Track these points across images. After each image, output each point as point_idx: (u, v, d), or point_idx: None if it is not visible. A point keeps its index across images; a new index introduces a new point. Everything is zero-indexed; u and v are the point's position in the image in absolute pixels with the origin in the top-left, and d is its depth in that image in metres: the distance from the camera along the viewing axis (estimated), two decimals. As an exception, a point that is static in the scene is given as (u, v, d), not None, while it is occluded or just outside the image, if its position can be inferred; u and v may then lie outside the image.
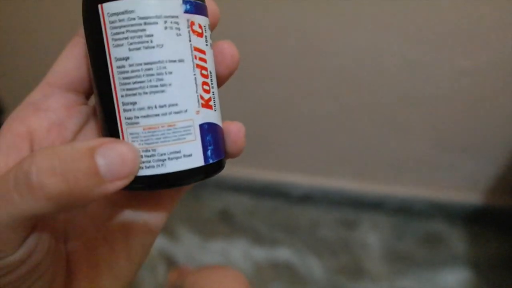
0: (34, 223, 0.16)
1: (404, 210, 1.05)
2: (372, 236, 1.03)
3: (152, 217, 0.23)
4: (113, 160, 0.16)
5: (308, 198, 1.11)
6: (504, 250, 0.96)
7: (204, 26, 0.20)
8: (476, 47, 0.75)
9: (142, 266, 0.23)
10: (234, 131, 0.22)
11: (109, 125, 0.19)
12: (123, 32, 0.18)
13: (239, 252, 1.02)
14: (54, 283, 0.19)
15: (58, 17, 0.90)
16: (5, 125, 0.19)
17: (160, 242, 1.04)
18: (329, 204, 1.10)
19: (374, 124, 0.92)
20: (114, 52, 0.18)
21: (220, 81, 0.23)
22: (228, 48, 0.22)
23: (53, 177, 0.15)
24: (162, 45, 0.18)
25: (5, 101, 1.18)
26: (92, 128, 0.23)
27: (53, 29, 0.93)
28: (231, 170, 1.11)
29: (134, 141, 0.19)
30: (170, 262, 1.00)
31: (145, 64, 0.18)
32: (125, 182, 0.16)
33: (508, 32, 0.72)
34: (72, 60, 0.21)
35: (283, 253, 1.01)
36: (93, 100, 0.22)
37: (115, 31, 0.18)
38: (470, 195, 1.00)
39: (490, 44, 0.74)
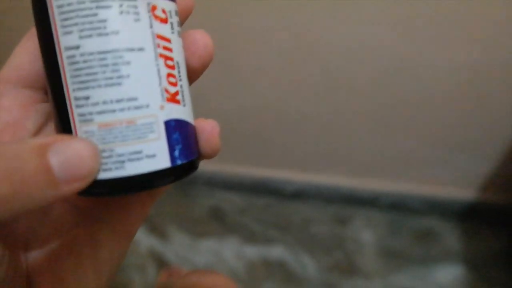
0: None
1: (397, 207, 1.04)
2: (365, 233, 1.02)
3: (123, 225, 0.21)
4: (69, 158, 0.14)
5: (300, 195, 1.10)
6: (497, 246, 0.96)
7: (170, 12, 0.18)
8: (470, 44, 0.74)
9: (112, 278, 0.21)
10: (208, 129, 0.20)
11: (61, 122, 0.17)
12: (72, 18, 0.16)
13: (231, 251, 1.01)
14: None
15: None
16: None
17: (150, 242, 1.02)
18: (322, 201, 1.09)
19: (368, 120, 0.91)
20: (63, 40, 0.16)
21: (193, 75, 0.21)
22: (201, 39, 0.20)
23: None
24: (117, 32, 0.16)
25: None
26: (52, 128, 0.20)
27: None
28: (222, 167, 1.10)
29: None
30: (161, 262, 0.99)
31: (99, 53, 0.16)
32: (83, 183, 0.15)
33: (504, 29, 0.71)
34: (27, 53, 0.19)
35: (276, 251, 1.00)
36: None
37: (63, 16, 0.16)
38: (464, 192, 0.99)
39: (484, 41, 0.74)
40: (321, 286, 0.93)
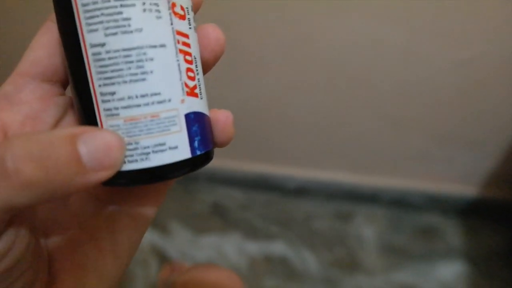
0: (11, 217, 0.15)
1: (399, 203, 1.04)
2: (367, 229, 1.02)
3: (139, 212, 0.22)
4: (97, 148, 0.15)
5: (302, 191, 1.10)
6: (499, 243, 0.96)
7: (187, 8, 0.19)
8: (472, 38, 0.74)
9: (129, 264, 0.22)
10: (222, 119, 0.21)
11: (86, 117, 0.18)
12: (97, 16, 0.17)
13: (233, 246, 1.01)
14: (36, 284, 0.18)
15: (38, 13, 0.87)
16: None
17: (152, 237, 1.02)
18: (323, 197, 1.09)
19: (370, 116, 0.91)
20: (89, 38, 0.17)
21: (206, 67, 0.22)
22: (213, 32, 0.21)
23: (30, 163, 0.13)
24: (141, 29, 0.17)
25: None
26: (70, 120, 0.21)
27: (33, 25, 0.89)
28: (223, 162, 1.09)
29: None
30: (162, 258, 0.99)
31: (123, 50, 0.17)
32: (110, 172, 0.15)
33: (505, 23, 0.71)
34: (44, 47, 0.19)
35: (277, 247, 1.00)
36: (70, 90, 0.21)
37: (88, 14, 0.17)
38: (465, 188, 0.99)
39: (486, 36, 0.73)
40: (322, 282, 0.93)
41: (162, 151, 0.18)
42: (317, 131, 0.98)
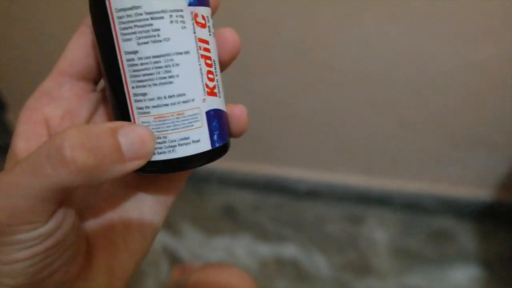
0: (62, 197, 0.17)
1: (412, 206, 1.03)
2: (379, 232, 1.01)
3: (163, 196, 0.25)
4: (134, 140, 0.18)
5: (314, 193, 1.09)
6: (514, 247, 0.95)
7: (207, 17, 0.21)
8: (487, 39, 0.73)
9: (153, 242, 0.25)
10: (237, 113, 0.23)
11: (121, 114, 0.21)
12: (131, 27, 0.19)
13: (244, 248, 1.01)
14: (77, 258, 0.21)
15: (59, 12, 0.88)
16: (23, 114, 0.22)
17: (164, 239, 1.03)
18: (335, 200, 1.08)
19: (382, 118, 0.91)
20: (124, 46, 0.20)
21: (223, 66, 0.24)
22: (231, 36, 0.23)
23: (84, 152, 0.16)
24: (168, 39, 0.19)
25: (7, 97, 1.17)
26: (101, 114, 0.24)
27: (55, 24, 0.91)
28: (235, 165, 1.10)
29: None
30: (174, 259, 0.99)
31: (154, 57, 0.19)
32: (143, 162, 0.18)
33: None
34: (80, 49, 0.22)
35: (289, 250, 1.00)
36: (100, 85, 0.24)
37: (123, 26, 0.19)
38: (479, 191, 0.98)
39: (501, 37, 0.72)
40: (334, 285, 0.93)
41: (186, 144, 0.20)
42: (329, 133, 0.97)
